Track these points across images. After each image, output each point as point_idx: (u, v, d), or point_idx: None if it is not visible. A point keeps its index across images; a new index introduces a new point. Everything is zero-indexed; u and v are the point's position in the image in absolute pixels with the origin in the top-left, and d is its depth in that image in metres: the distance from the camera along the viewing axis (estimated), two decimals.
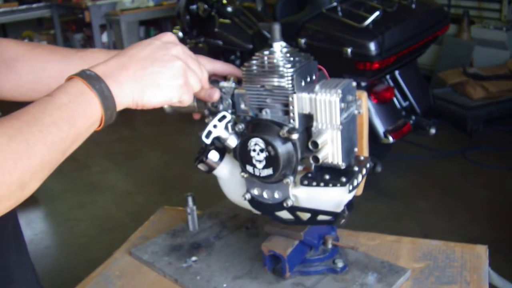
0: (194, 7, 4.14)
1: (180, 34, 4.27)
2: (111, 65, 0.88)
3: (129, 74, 0.88)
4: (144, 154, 4.77)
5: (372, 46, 3.08)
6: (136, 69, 0.89)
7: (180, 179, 4.11)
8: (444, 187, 3.75)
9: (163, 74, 0.91)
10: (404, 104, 3.57)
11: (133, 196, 3.98)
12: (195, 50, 3.77)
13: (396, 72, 3.53)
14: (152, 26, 6.65)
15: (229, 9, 4.14)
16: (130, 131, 5.47)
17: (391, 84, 3.52)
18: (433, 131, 3.48)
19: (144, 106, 0.92)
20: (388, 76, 3.52)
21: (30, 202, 4.03)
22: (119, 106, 0.88)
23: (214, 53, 4.10)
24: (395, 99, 3.51)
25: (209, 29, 4.13)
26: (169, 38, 0.97)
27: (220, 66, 1.13)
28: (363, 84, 3.29)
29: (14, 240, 1.05)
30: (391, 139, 3.34)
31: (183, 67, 0.92)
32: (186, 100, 0.95)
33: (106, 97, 0.85)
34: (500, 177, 3.82)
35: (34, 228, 3.68)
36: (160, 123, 5.23)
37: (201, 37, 4.20)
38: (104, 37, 6.08)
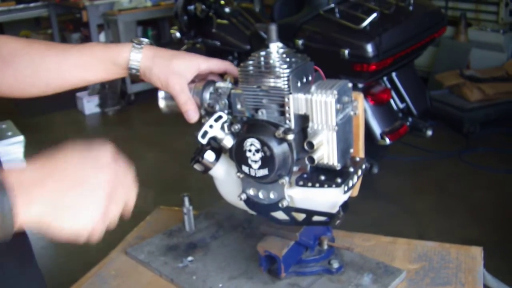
0: (192, 7, 4.14)
1: (178, 34, 4.26)
2: (27, 176, 0.75)
3: (44, 193, 0.74)
4: (141, 154, 4.77)
5: (369, 48, 3.08)
6: (53, 189, 0.75)
7: (176, 179, 4.10)
8: (441, 189, 3.76)
9: (82, 202, 0.77)
10: (401, 105, 3.57)
11: None
12: (193, 50, 3.77)
13: (393, 74, 3.53)
14: (150, 26, 6.65)
15: (227, 9, 4.13)
16: (127, 131, 5.47)
17: (388, 85, 3.53)
18: (429, 133, 3.48)
19: (46, 234, 0.76)
20: (385, 78, 3.52)
21: None
22: (18, 227, 0.72)
23: (212, 54, 4.10)
24: (392, 101, 3.51)
25: (207, 30, 4.12)
26: (104, 156, 0.84)
27: (215, 64, 1.14)
28: (360, 85, 3.30)
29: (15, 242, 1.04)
30: (387, 140, 3.34)
31: (106, 197, 0.80)
32: (98, 231, 0.82)
33: (3, 214, 0.70)
34: (496, 179, 3.82)
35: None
36: (157, 123, 5.23)
37: (199, 37, 4.19)
38: (102, 37, 6.07)
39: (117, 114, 5.79)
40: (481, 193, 3.65)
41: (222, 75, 1.17)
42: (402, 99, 3.57)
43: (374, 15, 3.12)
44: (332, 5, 3.38)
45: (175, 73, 1.09)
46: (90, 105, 5.82)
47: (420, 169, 4.07)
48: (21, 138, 4.07)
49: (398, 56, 3.26)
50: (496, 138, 4.41)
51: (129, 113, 5.87)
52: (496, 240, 3.07)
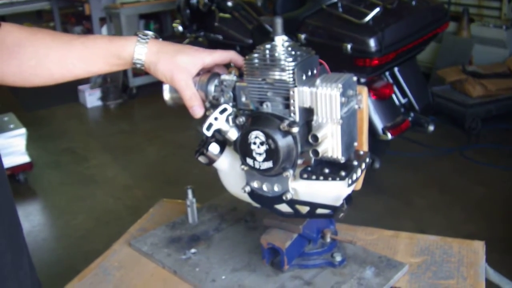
0: (194, 1, 4.13)
1: (180, 28, 4.26)
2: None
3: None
4: (142, 148, 4.77)
5: (372, 43, 3.08)
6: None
7: (178, 173, 4.11)
8: (442, 184, 3.76)
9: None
10: (403, 101, 3.57)
11: (131, 190, 3.99)
12: (195, 44, 3.77)
13: (396, 69, 3.53)
14: (152, 20, 6.64)
15: (230, 3, 4.13)
16: (129, 125, 5.47)
17: (390, 80, 3.53)
18: (431, 128, 3.48)
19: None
20: (387, 73, 3.52)
21: (29, 195, 4.04)
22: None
23: (214, 48, 4.07)
24: (394, 96, 3.51)
25: (209, 24, 4.12)
26: None
27: (219, 56, 1.14)
28: (362, 80, 3.30)
29: (9, 238, 1.04)
30: (389, 135, 3.34)
31: None
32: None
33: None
34: (497, 175, 3.82)
35: (32, 221, 3.68)
36: (159, 118, 5.23)
37: (201, 31, 4.19)
38: (104, 30, 6.06)
39: (119, 108, 5.79)
40: (482, 189, 3.66)
41: (227, 66, 1.17)
42: (404, 94, 3.57)
43: (377, 9, 3.12)
44: (335, 0, 3.38)
45: (180, 68, 1.09)
46: (92, 99, 5.82)
47: (421, 164, 4.07)
48: (23, 130, 4.08)
49: (400, 51, 3.26)
50: (497, 134, 4.41)
51: (131, 107, 5.87)
52: (497, 235, 3.07)
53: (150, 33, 1.13)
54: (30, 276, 1.10)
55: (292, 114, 1.04)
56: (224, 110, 1.08)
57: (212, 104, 1.11)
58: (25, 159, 4.07)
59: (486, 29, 5.06)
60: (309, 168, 1.07)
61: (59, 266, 3.11)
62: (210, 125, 1.07)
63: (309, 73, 1.06)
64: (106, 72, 1.15)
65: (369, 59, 3.13)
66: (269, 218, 1.22)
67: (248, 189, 1.14)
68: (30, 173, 4.20)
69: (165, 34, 6.56)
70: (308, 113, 1.04)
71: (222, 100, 1.10)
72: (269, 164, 1.05)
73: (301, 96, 1.03)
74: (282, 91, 1.04)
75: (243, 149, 1.08)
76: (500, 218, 3.29)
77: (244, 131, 1.06)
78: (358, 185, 1.16)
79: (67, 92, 5.76)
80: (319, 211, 1.10)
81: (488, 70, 4.62)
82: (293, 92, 1.02)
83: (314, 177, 1.05)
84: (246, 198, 1.17)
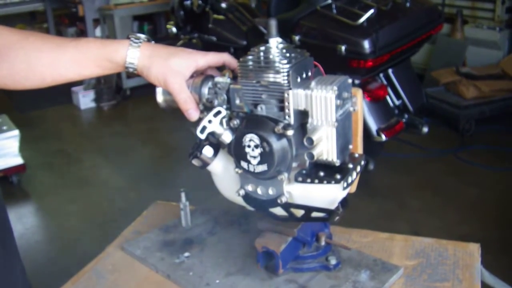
0: (188, 2, 4.12)
1: (174, 29, 4.25)
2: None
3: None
4: (136, 149, 4.76)
5: (366, 44, 3.08)
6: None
7: (172, 175, 4.09)
8: (436, 186, 3.77)
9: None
10: (397, 102, 3.57)
11: (124, 192, 3.97)
12: (189, 45, 3.76)
13: (390, 71, 3.53)
14: (146, 21, 6.62)
15: (223, 5, 4.12)
16: (123, 127, 5.45)
17: (385, 82, 3.53)
18: (425, 130, 3.48)
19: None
20: (381, 74, 3.52)
21: (22, 197, 4.02)
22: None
23: (208, 49, 4.05)
24: (388, 98, 3.51)
25: (203, 25, 4.11)
26: None
27: (212, 58, 1.13)
28: (356, 82, 3.29)
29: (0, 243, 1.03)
30: (383, 137, 3.34)
31: None
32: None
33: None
34: (491, 176, 3.83)
35: (25, 223, 3.66)
36: (152, 119, 5.22)
37: (195, 32, 4.18)
38: (98, 32, 6.04)
39: (112, 109, 5.78)
40: (476, 190, 3.66)
41: (220, 68, 1.16)
42: (398, 96, 3.57)
43: (371, 11, 3.11)
44: (329, 1, 3.37)
45: (173, 72, 1.08)
46: (85, 100, 5.80)
47: (415, 166, 4.07)
48: (16, 132, 4.06)
49: (394, 52, 3.26)
50: (491, 136, 4.42)
51: (124, 108, 5.85)
52: (491, 236, 3.08)
53: (142, 36, 1.12)
54: (21, 279, 1.09)
55: (286, 117, 1.03)
56: (218, 112, 1.07)
57: (205, 107, 1.10)
58: (18, 161, 4.04)
59: (479, 31, 5.07)
60: (304, 171, 1.06)
61: (52, 268, 3.09)
62: (204, 128, 1.06)
63: (304, 75, 1.05)
64: (98, 75, 1.14)
65: (363, 60, 3.13)
66: (263, 222, 1.21)
67: (242, 192, 1.13)
68: (23, 175, 4.18)
69: (159, 35, 6.54)
70: (303, 115, 1.04)
71: (216, 102, 1.09)
72: (263, 167, 1.04)
73: (296, 98, 1.02)
74: (276, 94, 1.03)
75: (237, 152, 1.07)
76: (494, 219, 3.29)
77: (238, 134, 1.06)
78: (352, 188, 1.15)
79: (60, 93, 5.73)
80: (314, 214, 1.09)
81: (482, 72, 4.63)
82: (288, 94, 1.02)
83: (309, 180, 1.05)
84: (240, 201, 1.16)
